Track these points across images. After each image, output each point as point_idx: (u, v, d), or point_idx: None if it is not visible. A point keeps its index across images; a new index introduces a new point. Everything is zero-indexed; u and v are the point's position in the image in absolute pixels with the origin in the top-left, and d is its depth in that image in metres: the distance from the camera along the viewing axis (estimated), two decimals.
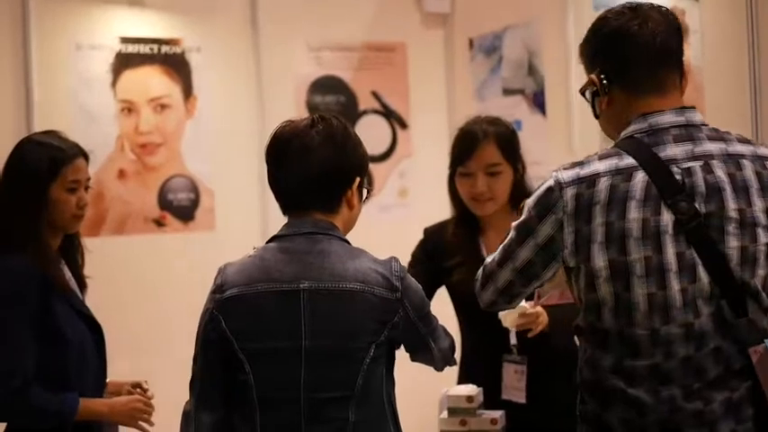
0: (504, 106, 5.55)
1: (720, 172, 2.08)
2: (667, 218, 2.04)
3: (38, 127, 4.68)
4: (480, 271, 2.32)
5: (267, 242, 2.34)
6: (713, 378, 2.05)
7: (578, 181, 2.11)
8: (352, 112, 5.79)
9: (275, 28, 5.58)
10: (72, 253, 3.02)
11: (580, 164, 2.15)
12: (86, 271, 3.11)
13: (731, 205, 2.06)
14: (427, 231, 3.40)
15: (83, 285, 3.04)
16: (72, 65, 5.14)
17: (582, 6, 4.98)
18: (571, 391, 3.17)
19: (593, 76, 2.21)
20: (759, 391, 2.03)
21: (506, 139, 3.18)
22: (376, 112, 5.85)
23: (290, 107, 5.64)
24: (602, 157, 2.13)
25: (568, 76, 5.06)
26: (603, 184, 2.08)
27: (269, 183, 2.39)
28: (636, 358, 2.07)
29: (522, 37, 5.44)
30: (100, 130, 5.16)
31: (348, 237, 2.41)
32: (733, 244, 2.06)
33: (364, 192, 2.42)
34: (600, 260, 2.07)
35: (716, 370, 2.06)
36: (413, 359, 2.49)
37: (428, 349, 2.42)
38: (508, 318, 3.00)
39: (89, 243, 3.12)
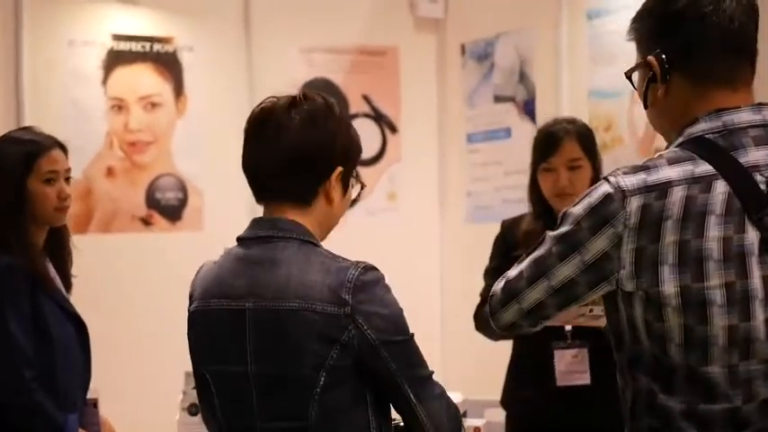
0: (495, 113, 5.57)
1: None
2: (753, 236, 1.74)
3: (29, 122, 4.66)
4: (498, 287, 1.96)
5: (236, 240, 2.15)
6: None
7: (646, 189, 1.77)
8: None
9: (268, 29, 5.58)
10: (58, 251, 3.01)
11: (645, 168, 1.80)
12: (72, 269, 3.10)
13: None
14: (504, 224, 3.49)
15: (68, 284, 3.03)
16: (64, 61, 5.13)
17: (575, 15, 4.99)
18: None
19: (653, 59, 1.87)
20: None
21: (586, 136, 3.29)
22: (366, 115, 5.85)
23: None
24: (672, 162, 1.78)
25: (559, 85, 5.07)
26: (677, 194, 1.75)
27: (242, 165, 2.15)
28: (711, 401, 1.78)
29: (515, 44, 5.45)
30: (90, 126, 5.15)
31: (335, 241, 2.24)
32: None
33: (353, 187, 2.13)
34: (671, 286, 1.76)
35: None
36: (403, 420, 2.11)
37: (406, 402, 2.01)
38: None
39: (76, 240, 3.11)
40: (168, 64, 5.39)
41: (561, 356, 3.20)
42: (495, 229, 5.48)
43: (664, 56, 1.86)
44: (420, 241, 5.77)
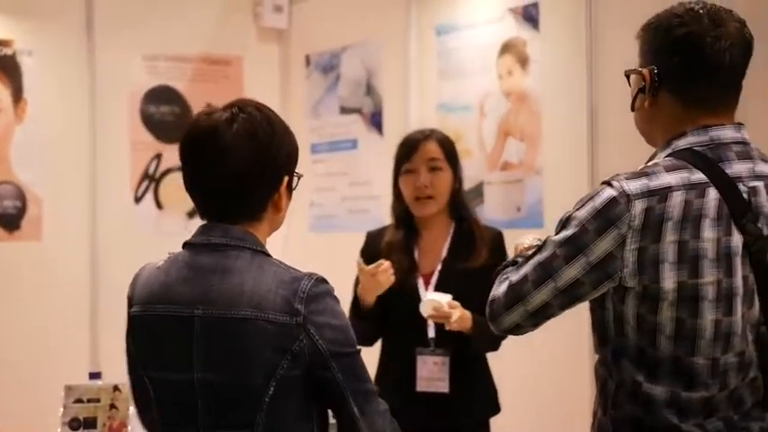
0: (341, 124, 5.61)
1: None
2: (737, 239, 1.92)
3: None
4: (501, 290, 2.06)
5: (183, 245, 2.09)
6: (748, 409, 1.99)
7: (649, 193, 1.92)
8: (186, 123, 5.72)
9: (111, 35, 5.48)
10: None
11: (645, 174, 1.95)
12: None
13: None
14: (369, 235, 3.52)
15: None
16: None
17: (424, 31, 5.09)
18: (488, 385, 3.38)
19: (646, 72, 2.03)
20: None
21: (447, 142, 3.41)
22: None
23: (124, 116, 5.56)
24: (669, 169, 1.94)
25: (407, 98, 5.15)
26: (677, 198, 1.91)
27: (184, 185, 2.09)
28: (691, 390, 1.94)
29: (362, 57, 5.51)
30: None
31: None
32: None
33: (294, 181, 2.11)
34: (670, 282, 1.91)
35: (751, 400, 1.99)
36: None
37: (349, 416, 2.00)
38: (425, 306, 3.17)
39: None
40: (7, 68, 5.23)
41: (423, 362, 3.29)
42: (339, 239, 5.55)
43: (656, 73, 2.01)
44: None
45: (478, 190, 4.72)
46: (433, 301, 3.17)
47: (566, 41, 4.40)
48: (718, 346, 1.94)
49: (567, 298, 1.99)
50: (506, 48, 4.65)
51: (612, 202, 1.93)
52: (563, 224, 2.00)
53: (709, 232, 1.91)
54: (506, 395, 3.44)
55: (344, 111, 5.62)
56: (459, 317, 3.16)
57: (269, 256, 2.05)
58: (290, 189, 2.10)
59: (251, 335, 1.95)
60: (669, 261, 1.91)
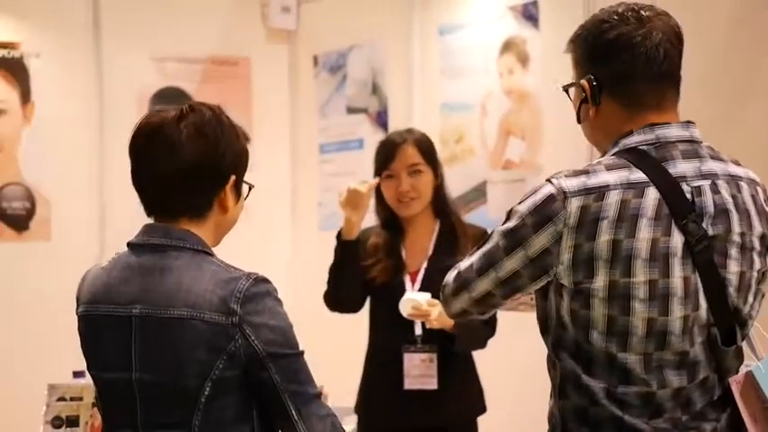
0: (348, 124, 5.63)
1: (725, 193, 1.97)
2: (677, 239, 1.92)
3: None
4: (452, 277, 2.12)
5: (126, 245, 2.09)
6: (700, 409, 1.99)
7: (585, 191, 1.93)
8: None
9: (118, 36, 5.51)
10: None
11: (585, 173, 1.96)
12: None
13: (736, 228, 1.97)
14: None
15: None
16: None
17: (427, 30, 5.10)
18: (476, 384, 3.41)
19: (584, 82, 2.04)
20: (738, 420, 1.99)
21: (424, 143, 3.43)
22: None
23: (132, 117, 5.41)
24: (610, 168, 1.96)
25: (412, 96, 5.17)
26: (614, 197, 1.92)
27: (132, 180, 2.09)
28: (628, 384, 1.96)
29: (367, 56, 5.52)
30: None
31: None
32: (733, 269, 1.97)
33: (245, 189, 2.11)
34: (601, 279, 1.92)
35: (702, 401, 1.99)
36: None
37: (288, 418, 1.98)
38: (404, 306, 3.22)
39: None
40: (14, 70, 5.28)
41: (410, 360, 3.31)
42: None
43: (595, 81, 2.02)
44: (272, 251, 5.78)
45: (481, 189, 4.72)
46: (411, 300, 3.21)
47: (565, 39, 4.35)
48: (651, 343, 1.95)
49: (509, 288, 2.03)
50: (507, 46, 4.66)
51: (550, 198, 1.95)
52: (507, 216, 2.03)
53: (644, 232, 1.91)
54: (493, 396, 3.45)
55: (351, 110, 5.64)
56: (439, 314, 3.16)
57: (212, 255, 2.05)
58: (238, 191, 2.09)
59: (186, 334, 1.95)
60: (603, 258, 1.92)
